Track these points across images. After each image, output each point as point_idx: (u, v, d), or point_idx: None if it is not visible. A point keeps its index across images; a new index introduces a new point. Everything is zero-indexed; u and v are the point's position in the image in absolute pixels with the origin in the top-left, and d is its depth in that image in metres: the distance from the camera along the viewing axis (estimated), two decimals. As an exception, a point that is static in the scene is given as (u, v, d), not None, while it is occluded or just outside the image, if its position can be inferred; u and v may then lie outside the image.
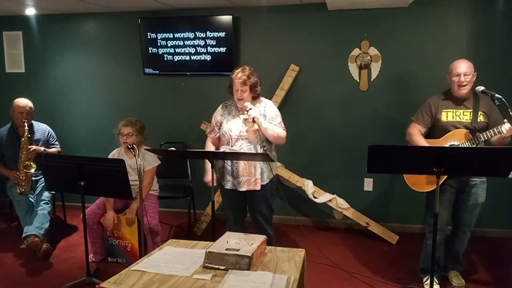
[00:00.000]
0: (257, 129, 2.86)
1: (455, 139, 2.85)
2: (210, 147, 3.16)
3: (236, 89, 2.90)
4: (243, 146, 2.93)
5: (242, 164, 2.92)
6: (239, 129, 2.94)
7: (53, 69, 4.78)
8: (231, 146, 2.96)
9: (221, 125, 3.05)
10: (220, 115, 3.07)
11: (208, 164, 2.94)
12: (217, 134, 3.10)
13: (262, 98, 3.07)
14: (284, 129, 3.00)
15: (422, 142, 2.91)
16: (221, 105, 3.12)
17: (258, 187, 2.95)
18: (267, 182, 3.00)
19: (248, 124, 2.89)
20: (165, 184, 4.09)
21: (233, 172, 2.95)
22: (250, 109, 2.86)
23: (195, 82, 4.47)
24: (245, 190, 2.96)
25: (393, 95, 4.08)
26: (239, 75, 2.89)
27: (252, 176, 2.93)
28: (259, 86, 2.99)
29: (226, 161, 2.97)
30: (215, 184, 2.79)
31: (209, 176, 2.97)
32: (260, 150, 2.94)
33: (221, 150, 2.99)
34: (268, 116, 2.96)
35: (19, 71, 4.87)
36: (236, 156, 2.98)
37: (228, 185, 2.99)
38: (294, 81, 4.17)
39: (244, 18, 4.26)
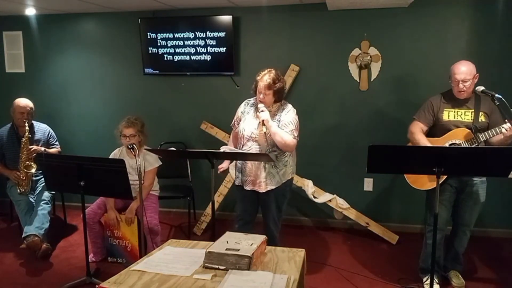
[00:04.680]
0: (265, 132, 2.80)
1: (455, 138, 2.85)
2: (231, 140, 3.17)
3: (259, 92, 2.84)
4: (252, 148, 2.90)
5: (249, 165, 2.92)
6: (251, 130, 2.91)
7: (53, 69, 4.78)
8: (242, 146, 2.95)
9: (239, 122, 3.04)
10: (241, 111, 3.04)
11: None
12: (237, 129, 3.08)
13: (284, 102, 3.00)
14: (294, 138, 2.89)
15: (423, 140, 2.91)
16: (244, 102, 3.09)
17: (262, 189, 2.93)
18: (277, 186, 2.95)
19: (259, 126, 2.86)
20: (165, 184, 4.09)
21: (241, 169, 2.97)
22: (262, 111, 2.80)
23: (195, 82, 4.47)
24: (249, 189, 2.95)
25: (393, 95, 4.08)
26: (264, 77, 2.82)
27: (258, 178, 2.91)
28: (284, 91, 2.94)
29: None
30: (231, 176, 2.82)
31: (224, 164, 3.05)
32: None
33: (221, 150, 2.99)
34: (282, 121, 2.89)
35: (19, 71, 4.87)
36: (236, 156, 2.98)
37: (237, 181, 3.02)
38: (294, 81, 4.17)
39: (244, 18, 4.26)
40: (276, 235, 3.10)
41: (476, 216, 3.03)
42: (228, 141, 3.18)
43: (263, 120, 2.79)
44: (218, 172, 3.03)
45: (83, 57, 4.70)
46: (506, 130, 2.66)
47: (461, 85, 2.79)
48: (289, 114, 2.93)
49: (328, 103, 4.22)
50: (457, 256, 3.13)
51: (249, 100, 3.07)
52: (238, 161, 2.99)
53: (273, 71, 2.88)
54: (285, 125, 2.88)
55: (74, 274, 3.23)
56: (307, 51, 4.18)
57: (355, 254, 3.70)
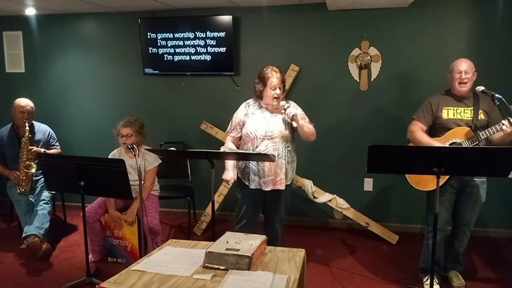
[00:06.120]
0: (295, 127, 2.87)
1: (456, 137, 2.85)
2: (229, 144, 3.11)
3: (275, 87, 2.86)
4: (269, 147, 2.90)
5: (267, 164, 2.90)
6: (265, 129, 2.91)
7: (53, 69, 4.78)
8: (256, 147, 2.93)
9: (243, 125, 3.01)
10: (244, 114, 3.01)
11: (229, 163, 3.00)
12: (238, 134, 3.05)
13: (284, 97, 3.04)
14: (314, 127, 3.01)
15: (425, 138, 2.91)
16: (243, 104, 3.06)
17: (282, 187, 2.95)
18: (290, 182, 3.02)
19: (287, 123, 2.90)
20: (165, 184, 4.09)
21: (258, 172, 2.93)
22: (288, 107, 2.84)
23: (195, 82, 4.47)
24: (270, 189, 2.95)
25: (393, 95, 4.08)
26: (274, 73, 2.87)
27: (278, 176, 2.92)
28: None
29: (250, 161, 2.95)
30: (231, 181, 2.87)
31: (229, 174, 2.99)
32: (284, 151, 2.93)
33: (221, 150, 2.99)
34: (298, 114, 2.93)
35: (19, 71, 4.87)
36: (236, 156, 2.97)
37: (253, 185, 2.96)
38: (294, 81, 4.17)
39: (244, 18, 4.26)
40: (280, 234, 3.12)
41: (476, 216, 3.03)
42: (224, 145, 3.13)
43: (292, 116, 2.82)
44: (229, 185, 3.02)
45: (83, 57, 4.70)
46: (507, 126, 2.65)
47: (463, 75, 2.81)
48: (298, 107, 3.02)
49: (328, 103, 4.22)
50: (457, 256, 3.13)
51: (248, 102, 3.06)
52: (254, 164, 2.94)
53: (274, 66, 2.95)
54: (302, 118, 2.96)
55: (74, 274, 3.24)
56: (307, 51, 4.18)
57: (355, 254, 3.70)
